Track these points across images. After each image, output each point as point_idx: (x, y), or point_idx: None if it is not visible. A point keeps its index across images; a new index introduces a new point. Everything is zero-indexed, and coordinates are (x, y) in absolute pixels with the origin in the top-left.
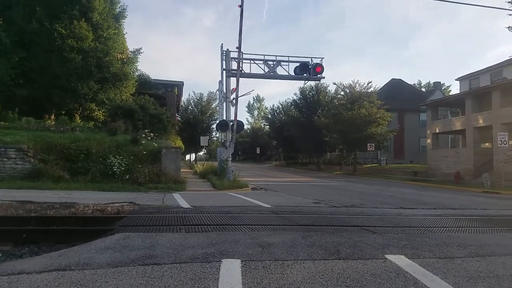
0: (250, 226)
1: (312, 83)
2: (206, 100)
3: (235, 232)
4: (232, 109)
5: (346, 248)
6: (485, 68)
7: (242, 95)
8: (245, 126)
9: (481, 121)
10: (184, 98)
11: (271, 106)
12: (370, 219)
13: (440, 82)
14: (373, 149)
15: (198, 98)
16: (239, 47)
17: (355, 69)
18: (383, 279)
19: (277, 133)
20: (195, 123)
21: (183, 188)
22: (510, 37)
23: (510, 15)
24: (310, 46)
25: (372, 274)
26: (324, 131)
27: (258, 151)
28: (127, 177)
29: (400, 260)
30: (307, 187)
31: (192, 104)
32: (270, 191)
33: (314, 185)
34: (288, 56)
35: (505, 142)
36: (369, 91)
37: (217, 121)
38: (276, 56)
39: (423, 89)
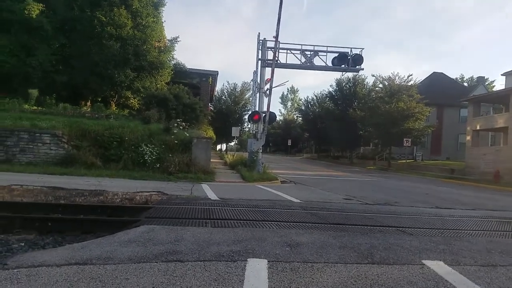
0: (278, 223)
1: (350, 74)
2: (240, 91)
3: (263, 229)
4: (265, 99)
5: (380, 251)
6: None
7: (276, 86)
8: (278, 118)
9: None
10: (218, 87)
11: (305, 98)
12: (405, 219)
13: (484, 77)
14: (410, 145)
15: (232, 88)
16: (276, 36)
17: (394, 62)
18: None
19: (309, 125)
20: (227, 113)
21: (212, 179)
22: None
23: None
24: (347, 37)
25: (409, 282)
26: (359, 125)
27: (289, 143)
28: (158, 166)
29: (438, 266)
30: (338, 182)
31: (226, 94)
32: (300, 184)
33: (346, 180)
34: (327, 46)
35: None
36: (409, 84)
37: (250, 112)
38: (314, 46)
39: (465, 84)
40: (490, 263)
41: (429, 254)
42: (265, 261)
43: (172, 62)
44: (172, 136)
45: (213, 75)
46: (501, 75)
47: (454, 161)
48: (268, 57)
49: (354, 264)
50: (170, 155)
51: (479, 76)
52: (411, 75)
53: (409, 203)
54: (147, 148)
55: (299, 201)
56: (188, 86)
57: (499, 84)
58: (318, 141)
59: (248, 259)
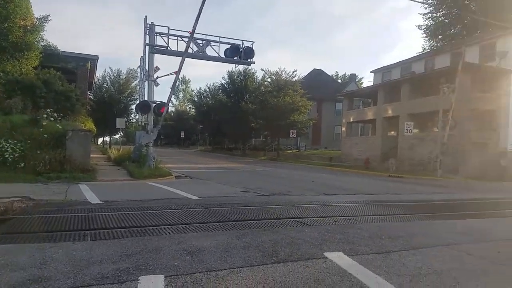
0: (176, 227)
1: (240, 67)
2: (125, 78)
3: (157, 236)
4: (155, 88)
5: (284, 247)
6: (396, 62)
7: (167, 74)
8: (170, 109)
9: (390, 112)
10: (98, 74)
11: (198, 89)
12: (301, 209)
13: (355, 74)
14: (295, 136)
15: (115, 75)
16: (192, 32)
17: (280, 58)
18: (328, 285)
19: (203, 117)
20: (110, 103)
21: (92, 178)
22: (419, 35)
23: (419, 13)
24: (239, 31)
25: (316, 280)
26: (250, 117)
27: (182, 135)
28: (22, 165)
29: (340, 258)
30: (234, 174)
31: (108, 81)
32: (196, 179)
33: (241, 171)
34: (219, 37)
35: (410, 131)
36: (294, 79)
37: (137, 102)
38: (206, 35)
39: (339, 80)
40: (384, 250)
41: (329, 245)
42: (161, 277)
43: (41, 43)
44: (41, 129)
45: (92, 59)
46: (370, 72)
47: (332, 150)
48: (157, 43)
49: (260, 266)
50: (39, 151)
51: (351, 73)
52: (295, 71)
53: (300, 192)
54: (8, 144)
55: (196, 197)
56: (61, 72)
57: (368, 81)
58: (212, 133)
59: (139, 278)
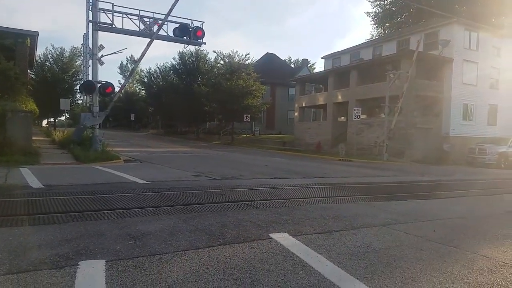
0: (121, 211)
1: (192, 48)
2: (69, 57)
3: (100, 221)
4: (100, 68)
5: (231, 230)
6: (346, 49)
7: (113, 53)
8: (117, 89)
9: (340, 97)
10: (40, 52)
11: (148, 69)
12: (251, 192)
13: (307, 59)
14: (249, 120)
15: (58, 53)
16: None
17: (233, 41)
18: (271, 264)
19: (154, 99)
20: (54, 83)
21: (35, 162)
22: (368, 22)
23: (368, 1)
24: (189, 11)
25: (260, 260)
26: (204, 100)
27: (132, 117)
28: None
29: (284, 239)
30: (186, 158)
31: (51, 60)
32: (146, 163)
33: (193, 155)
34: (167, 15)
35: (358, 116)
36: (247, 63)
37: (82, 81)
38: (153, 13)
39: (292, 65)
40: (327, 230)
41: (275, 227)
42: (103, 261)
43: None
44: None
45: (32, 36)
46: (321, 58)
47: (285, 135)
48: (101, 20)
49: (205, 248)
50: None
51: (303, 59)
52: (248, 54)
53: (252, 175)
54: None
55: (145, 182)
56: None
57: (319, 66)
58: (164, 116)
59: (79, 263)
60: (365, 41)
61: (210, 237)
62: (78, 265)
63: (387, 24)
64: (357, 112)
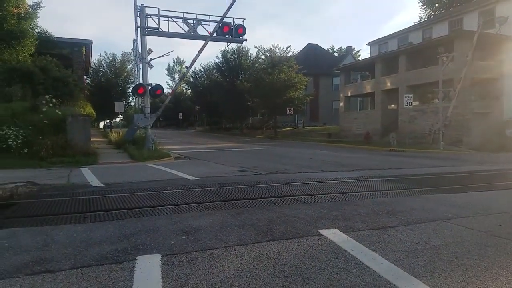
0: (173, 207)
1: (234, 46)
2: (120, 61)
3: (155, 217)
4: (149, 70)
5: (278, 225)
6: (393, 33)
7: (161, 56)
8: (166, 90)
9: (388, 84)
10: (94, 59)
11: (193, 69)
12: (297, 187)
13: (352, 47)
14: (292, 113)
15: (110, 59)
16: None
17: (273, 34)
18: (322, 262)
19: (200, 97)
20: (108, 87)
21: (94, 161)
22: (415, 3)
23: None
24: (225, 7)
25: (310, 257)
26: (246, 96)
27: (180, 116)
28: (26, 151)
29: (335, 235)
30: (232, 153)
31: (104, 65)
32: (195, 159)
33: (238, 150)
34: (209, 15)
35: (410, 103)
36: (288, 55)
37: (134, 85)
38: (196, 14)
39: (336, 54)
40: (381, 226)
41: (324, 223)
42: (158, 256)
43: (36, 30)
44: (41, 115)
45: (87, 44)
46: (366, 44)
47: (330, 126)
48: (148, 24)
49: (254, 244)
50: (41, 137)
51: (347, 46)
52: (289, 46)
53: (298, 169)
54: (11, 131)
55: (194, 178)
56: (57, 58)
57: (364, 54)
58: (209, 113)
59: (137, 257)
60: (413, 24)
61: (259, 233)
62: (136, 259)
63: (436, 5)
64: (408, 99)
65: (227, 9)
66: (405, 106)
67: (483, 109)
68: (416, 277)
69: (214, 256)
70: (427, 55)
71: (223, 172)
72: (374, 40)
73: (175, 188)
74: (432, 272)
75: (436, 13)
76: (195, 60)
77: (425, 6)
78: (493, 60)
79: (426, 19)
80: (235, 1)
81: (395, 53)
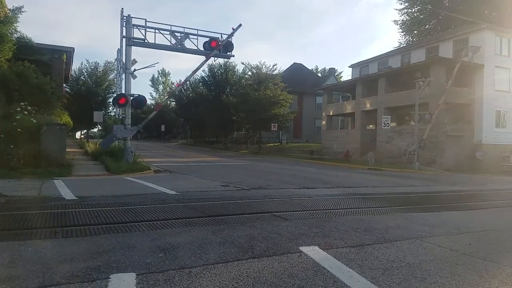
0: (151, 223)
1: (221, 60)
2: (103, 71)
3: (131, 233)
4: (132, 81)
5: (260, 242)
6: (373, 57)
7: (145, 67)
8: (149, 101)
9: (368, 105)
10: (75, 67)
11: (178, 82)
12: (279, 203)
13: (334, 68)
14: (276, 129)
15: (92, 67)
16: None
17: (260, 51)
18: (302, 280)
19: (184, 110)
20: (88, 96)
21: (68, 173)
22: (396, 30)
23: (395, 9)
24: (218, 23)
25: (290, 275)
26: (232, 110)
27: (163, 128)
28: None
29: (314, 252)
30: (215, 168)
31: (85, 74)
32: (176, 173)
33: (222, 165)
34: (197, 30)
35: (387, 125)
36: (274, 73)
37: (115, 95)
38: (184, 28)
39: (319, 74)
40: (358, 243)
41: (305, 239)
42: (133, 274)
43: (15, 35)
44: (14, 123)
45: (68, 51)
46: (348, 67)
47: (313, 143)
48: (134, 35)
49: (235, 262)
50: (12, 146)
51: (330, 68)
52: (275, 64)
53: (280, 185)
54: None
55: (174, 192)
56: (36, 64)
57: (347, 75)
58: (193, 126)
59: (110, 276)
60: (393, 49)
61: (239, 250)
62: (109, 278)
63: (415, 32)
64: (386, 120)
65: (229, 36)
66: (383, 127)
67: (455, 132)
68: None
69: (192, 274)
70: (405, 79)
71: (205, 187)
72: (356, 63)
73: (154, 203)
74: None
75: (414, 39)
76: (189, 77)
77: (404, 33)
78: (466, 86)
79: (405, 45)
80: (237, 29)
81: (375, 76)
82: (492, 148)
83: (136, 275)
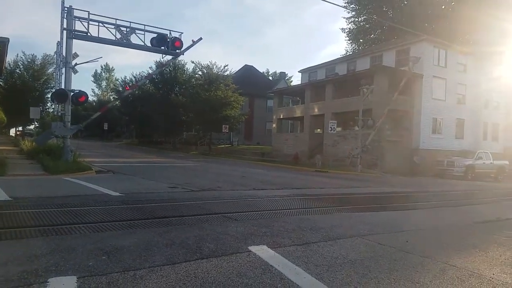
0: (93, 225)
1: (170, 58)
2: (41, 64)
3: (71, 236)
4: (73, 76)
5: (209, 243)
6: (322, 63)
7: (88, 62)
8: (91, 98)
9: (316, 110)
10: (10, 59)
11: (123, 78)
12: (229, 204)
13: (285, 73)
14: (227, 131)
15: (29, 60)
16: None
17: (211, 51)
18: (250, 278)
19: (129, 108)
20: (24, 91)
21: (1, 173)
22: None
23: (343, 17)
24: (167, 20)
25: (239, 274)
26: (181, 110)
27: (106, 127)
28: None
29: (263, 251)
30: (162, 169)
31: (21, 67)
32: (120, 174)
33: (170, 166)
34: (144, 25)
35: (334, 129)
36: (225, 74)
37: (54, 90)
38: (130, 22)
39: (270, 78)
40: (305, 241)
41: (254, 239)
42: (74, 278)
43: None
44: None
45: (2, 42)
46: (298, 71)
47: (263, 146)
48: (76, 28)
49: (183, 263)
50: None
51: (281, 72)
52: (227, 65)
53: (230, 187)
54: None
55: (118, 194)
56: None
57: (296, 80)
58: (139, 125)
59: (49, 280)
60: (340, 56)
61: (187, 251)
62: (48, 282)
63: (361, 40)
64: (332, 125)
65: (187, 48)
66: (329, 131)
67: (396, 137)
68: None
69: (137, 277)
70: (350, 86)
71: (151, 188)
72: (305, 68)
73: (96, 204)
74: (349, 285)
75: (360, 48)
76: (139, 85)
77: (351, 41)
78: (406, 94)
79: (351, 53)
80: (197, 42)
81: (323, 82)
82: (428, 152)
83: (77, 278)
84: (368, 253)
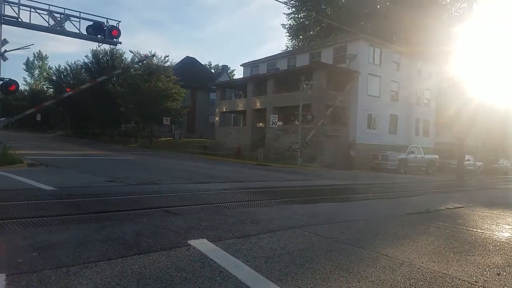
0: (23, 220)
1: (107, 47)
2: None
3: None
4: (3, 63)
5: (147, 238)
6: (263, 58)
7: (18, 48)
8: (22, 87)
9: (258, 104)
10: None
11: (57, 67)
12: (170, 198)
13: (227, 66)
14: (169, 123)
15: None
16: None
17: (151, 41)
18: (188, 272)
19: (64, 98)
20: None
21: None
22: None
23: (284, 13)
24: (104, 8)
25: (177, 268)
26: (119, 101)
27: (38, 118)
28: None
29: (203, 245)
30: (99, 162)
31: None
32: (53, 167)
33: (107, 159)
34: (80, 12)
35: (275, 123)
36: (166, 65)
37: None
38: (64, 9)
39: (213, 71)
40: (245, 234)
41: (194, 233)
42: (3, 276)
43: None
44: None
45: None
46: (240, 65)
47: (206, 139)
48: (6, 13)
49: (119, 259)
50: None
51: (223, 65)
52: (167, 56)
53: (172, 180)
54: None
55: (51, 188)
56: None
57: (239, 73)
58: (74, 116)
59: None
60: (281, 51)
61: (124, 247)
62: None
63: (300, 37)
64: (273, 119)
65: (141, 59)
66: (271, 125)
67: (333, 132)
68: (272, 281)
69: (70, 273)
70: (291, 81)
71: (87, 182)
72: (247, 62)
73: (26, 199)
74: (286, 275)
75: (300, 44)
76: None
77: (291, 37)
78: (343, 90)
79: (291, 49)
80: (150, 57)
81: (264, 77)
82: (364, 147)
83: (6, 275)
84: (305, 244)
